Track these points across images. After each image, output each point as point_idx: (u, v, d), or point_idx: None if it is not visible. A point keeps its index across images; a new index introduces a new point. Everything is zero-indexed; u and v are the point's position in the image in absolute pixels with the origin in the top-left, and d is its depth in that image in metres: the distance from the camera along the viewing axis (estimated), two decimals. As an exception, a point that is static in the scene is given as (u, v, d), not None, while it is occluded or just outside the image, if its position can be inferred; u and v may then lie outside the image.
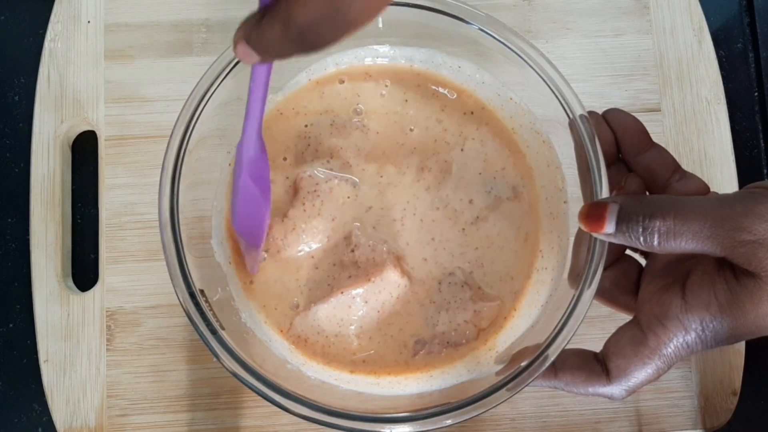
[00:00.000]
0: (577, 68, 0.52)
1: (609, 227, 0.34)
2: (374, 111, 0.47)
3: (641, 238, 0.33)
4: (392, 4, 0.42)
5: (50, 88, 0.52)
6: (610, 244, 0.38)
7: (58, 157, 0.51)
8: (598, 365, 0.36)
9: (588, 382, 0.36)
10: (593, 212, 0.35)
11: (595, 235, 0.36)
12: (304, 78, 0.47)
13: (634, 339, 0.35)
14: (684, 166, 0.51)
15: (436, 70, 0.47)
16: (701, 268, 0.35)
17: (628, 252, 0.40)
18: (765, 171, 0.55)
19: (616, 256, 0.40)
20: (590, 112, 0.40)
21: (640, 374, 0.34)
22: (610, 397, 0.36)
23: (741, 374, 0.50)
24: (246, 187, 0.39)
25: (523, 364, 0.38)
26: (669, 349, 0.34)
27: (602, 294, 0.39)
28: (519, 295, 0.45)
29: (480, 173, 0.46)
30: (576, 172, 0.41)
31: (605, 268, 0.39)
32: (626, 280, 0.39)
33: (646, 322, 0.35)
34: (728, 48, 0.56)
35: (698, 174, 0.51)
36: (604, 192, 0.38)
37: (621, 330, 0.36)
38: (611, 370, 0.35)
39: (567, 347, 0.37)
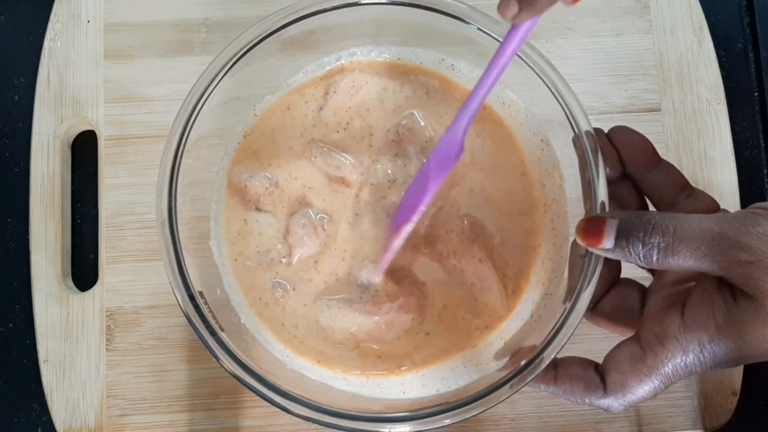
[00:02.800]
0: (577, 68, 0.52)
1: (607, 242, 0.34)
2: (374, 111, 0.47)
3: (641, 254, 0.33)
4: (392, 4, 0.42)
5: (50, 88, 0.52)
6: (608, 264, 0.38)
7: (58, 157, 0.51)
8: (597, 377, 0.36)
9: (585, 392, 0.36)
10: (591, 227, 0.35)
11: (592, 250, 0.36)
12: (301, 77, 0.47)
13: (632, 355, 0.35)
14: (684, 166, 0.51)
15: (435, 70, 0.47)
16: (701, 288, 0.34)
17: (623, 275, 0.40)
18: (765, 171, 0.54)
19: (614, 278, 0.40)
20: (596, 129, 0.39)
21: (637, 390, 0.34)
22: (607, 410, 0.36)
23: (741, 374, 0.49)
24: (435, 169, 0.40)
25: (522, 363, 0.38)
26: (667, 369, 0.34)
27: (604, 318, 0.39)
28: (517, 292, 0.45)
29: (479, 171, 0.46)
30: (575, 172, 0.41)
31: (605, 294, 0.39)
32: (627, 304, 0.39)
33: (645, 340, 0.35)
34: (728, 48, 0.56)
35: (698, 174, 0.51)
36: (600, 190, 0.38)
37: (621, 345, 0.36)
38: (608, 384, 0.35)
39: (568, 347, 0.37)
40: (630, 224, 0.34)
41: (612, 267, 0.40)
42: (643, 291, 0.39)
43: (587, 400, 0.36)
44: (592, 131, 0.39)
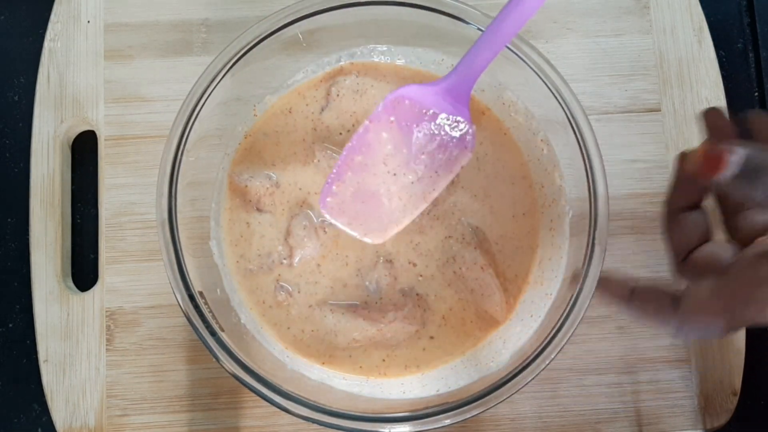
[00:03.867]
0: (577, 68, 0.52)
1: (729, 170, 0.31)
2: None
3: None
4: (392, 4, 0.42)
5: (50, 88, 0.52)
6: (700, 225, 0.37)
7: (58, 157, 0.51)
8: (670, 299, 0.35)
9: (657, 312, 0.35)
10: (713, 152, 0.32)
11: (702, 180, 0.32)
12: (301, 78, 0.47)
13: (714, 291, 0.33)
14: (684, 166, 0.51)
15: (435, 70, 0.47)
16: None
17: (641, 274, 0.40)
18: (765, 171, 0.54)
19: (705, 238, 0.37)
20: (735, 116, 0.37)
21: (707, 320, 0.33)
22: (673, 333, 0.35)
23: (741, 374, 0.49)
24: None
25: (522, 363, 0.38)
26: (745, 313, 0.32)
27: (691, 271, 0.37)
28: (516, 293, 0.45)
29: (478, 171, 0.46)
30: (575, 171, 0.41)
31: (695, 248, 0.37)
32: (718, 259, 0.37)
33: (732, 279, 0.33)
34: (728, 48, 0.56)
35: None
36: (600, 189, 0.38)
37: (704, 279, 0.35)
38: (682, 307, 0.34)
39: (567, 347, 0.37)
40: (760, 158, 0.31)
41: (704, 230, 0.38)
42: (674, 295, 0.37)
43: (657, 319, 0.35)
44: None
